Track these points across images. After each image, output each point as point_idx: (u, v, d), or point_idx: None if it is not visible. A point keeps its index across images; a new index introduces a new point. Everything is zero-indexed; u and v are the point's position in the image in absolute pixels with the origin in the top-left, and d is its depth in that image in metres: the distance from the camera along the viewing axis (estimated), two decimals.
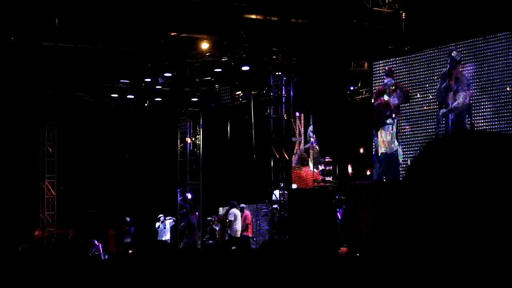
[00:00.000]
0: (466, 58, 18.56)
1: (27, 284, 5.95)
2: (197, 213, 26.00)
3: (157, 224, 24.94)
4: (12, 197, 25.55)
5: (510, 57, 17.55)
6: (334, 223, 19.58)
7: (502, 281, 1.16)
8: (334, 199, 21.18)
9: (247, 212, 23.20)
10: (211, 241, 23.85)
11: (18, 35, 22.76)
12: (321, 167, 24.60)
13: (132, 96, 27.78)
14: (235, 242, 22.37)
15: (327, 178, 24.36)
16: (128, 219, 25.05)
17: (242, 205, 23.30)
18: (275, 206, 22.74)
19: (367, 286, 1.36)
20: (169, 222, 25.09)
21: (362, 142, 22.31)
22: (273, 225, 22.85)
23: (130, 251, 22.34)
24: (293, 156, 24.30)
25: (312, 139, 24.26)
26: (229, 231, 22.97)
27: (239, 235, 22.73)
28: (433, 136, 19.14)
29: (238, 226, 22.73)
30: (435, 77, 19.29)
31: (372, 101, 19.54)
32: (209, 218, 25.28)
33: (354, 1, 20.39)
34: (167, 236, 24.83)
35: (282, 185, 22.75)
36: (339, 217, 20.71)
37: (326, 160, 24.40)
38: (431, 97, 19.55)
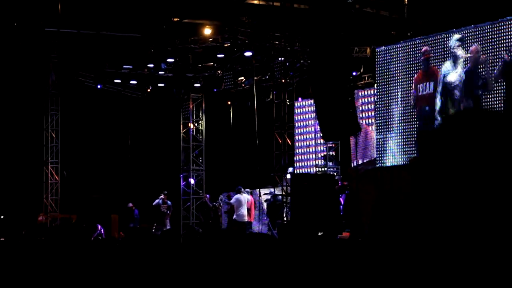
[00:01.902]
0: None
1: (30, 268, 6.02)
2: (207, 196, 25.95)
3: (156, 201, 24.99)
4: (16, 182, 25.64)
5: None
6: (336, 208, 19.63)
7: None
8: (338, 185, 21.22)
9: (250, 197, 23.30)
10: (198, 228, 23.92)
11: (20, 21, 22.77)
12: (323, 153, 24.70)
13: (135, 82, 27.82)
14: (237, 228, 22.42)
15: (330, 163, 24.43)
16: (130, 204, 25.10)
17: (247, 190, 23.39)
18: (273, 191, 22.78)
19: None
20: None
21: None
22: (273, 211, 22.83)
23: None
24: None
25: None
26: (234, 216, 23.01)
27: (246, 220, 22.76)
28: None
29: (243, 211, 22.74)
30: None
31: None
32: (214, 203, 25.38)
33: None
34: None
35: (291, 170, 22.76)
36: (342, 202, 20.75)
37: (329, 145, 24.47)
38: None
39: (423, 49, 19.84)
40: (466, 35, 18.48)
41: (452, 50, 18.66)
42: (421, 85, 19.94)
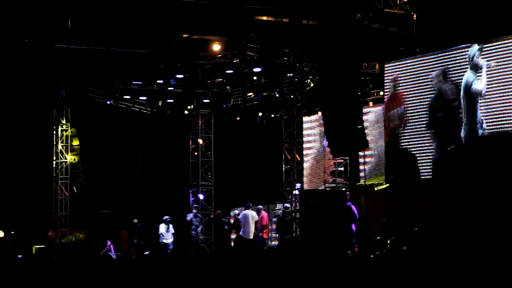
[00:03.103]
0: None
1: (41, 283, 6.05)
2: (219, 211, 25.90)
3: (162, 226, 24.91)
4: (26, 197, 25.71)
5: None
6: (345, 225, 19.57)
7: None
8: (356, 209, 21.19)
9: (263, 213, 23.25)
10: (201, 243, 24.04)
11: (31, 37, 22.92)
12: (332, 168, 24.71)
13: (145, 98, 27.90)
14: (242, 244, 22.42)
15: (339, 179, 24.42)
16: (135, 220, 25.12)
17: (259, 206, 23.42)
18: (286, 205, 22.74)
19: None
20: (171, 226, 25.03)
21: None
22: (282, 226, 22.77)
23: (145, 252, 22.40)
24: None
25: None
26: (241, 232, 23.04)
27: (251, 237, 22.74)
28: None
29: (249, 227, 22.76)
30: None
31: None
32: (224, 219, 25.39)
33: (365, 3, 20.41)
34: (169, 240, 24.81)
35: (299, 186, 22.71)
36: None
37: (338, 161, 24.47)
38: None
39: (393, 76, 20.24)
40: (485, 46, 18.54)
41: (473, 59, 18.68)
42: (396, 110, 20.32)
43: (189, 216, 25.38)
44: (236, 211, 24.89)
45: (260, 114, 27.04)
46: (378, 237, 18.34)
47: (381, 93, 23.05)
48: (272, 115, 26.85)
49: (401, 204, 16.68)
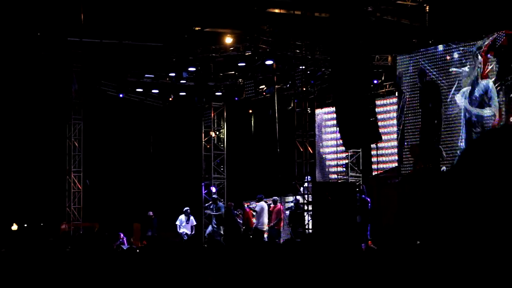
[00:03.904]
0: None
1: (54, 275, 6.09)
2: (231, 203, 25.88)
3: (181, 217, 24.88)
4: (39, 191, 25.82)
5: None
6: (356, 217, 19.53)
7: None
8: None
9: (279, 206, 23.24)
10: (218, 237, 24.00)
11: (44, 31, 22.99)
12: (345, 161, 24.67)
13: (157, 91, 27.91)
14: (259, 236, 22.46)
15: (351, 172, 24.41)
16: (150, 213, 25.14)
17: (275, 197, 23.41)
18: (297, 198, 22.72)
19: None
20: (192, 218, 25.03)
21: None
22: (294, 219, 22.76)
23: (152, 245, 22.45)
24: None
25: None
26: (256, 224, 23.07)
27: (265, 228, 22.79)
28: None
29: (264, 219, 22.80)
30: None
31: None
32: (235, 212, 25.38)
33: None
34: (189, 231, 24.80)
35: (308, 178, 22.69)
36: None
37: (350, 153, 24.44)
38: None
39: None
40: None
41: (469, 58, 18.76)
42: None
43: (208, 211, 25.37)
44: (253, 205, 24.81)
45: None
46: (391, 230, 18.30)
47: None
48: (290, 107, 26.77)
49: (415, 196, 16.66)
